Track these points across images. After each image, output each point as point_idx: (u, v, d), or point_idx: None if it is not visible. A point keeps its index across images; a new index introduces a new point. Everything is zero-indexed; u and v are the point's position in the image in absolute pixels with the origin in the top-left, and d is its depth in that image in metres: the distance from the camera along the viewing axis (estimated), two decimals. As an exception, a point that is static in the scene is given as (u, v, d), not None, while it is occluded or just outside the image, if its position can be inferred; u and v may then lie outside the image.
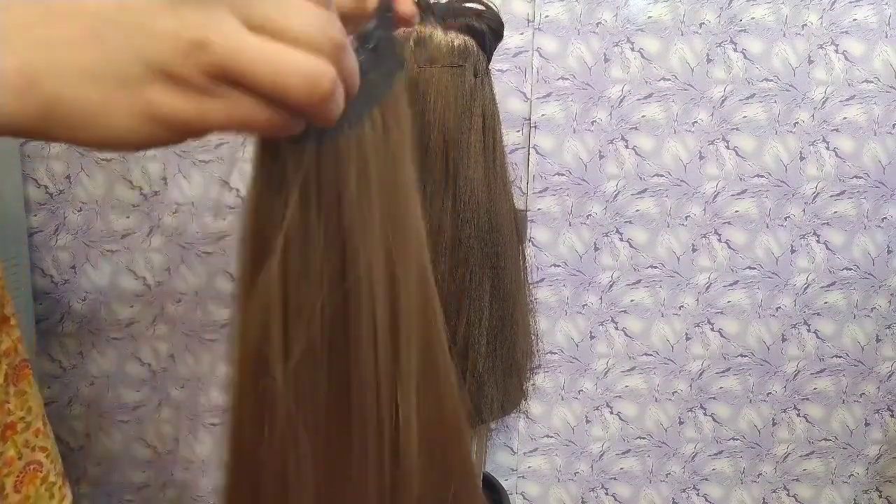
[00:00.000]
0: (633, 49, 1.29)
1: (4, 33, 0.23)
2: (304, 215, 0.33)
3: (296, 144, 0.33)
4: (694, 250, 1.36)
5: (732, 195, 1.34)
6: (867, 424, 1.42)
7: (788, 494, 1.45)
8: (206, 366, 1.39)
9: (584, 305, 1.37)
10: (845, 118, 1.31)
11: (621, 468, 1.44)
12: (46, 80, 0.24)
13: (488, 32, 0.94)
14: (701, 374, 1.40)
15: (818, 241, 1.35)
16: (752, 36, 1.28)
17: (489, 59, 0.93)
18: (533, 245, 1.34)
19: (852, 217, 1.34)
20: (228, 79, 0.25)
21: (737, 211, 1.34)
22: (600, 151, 1.32)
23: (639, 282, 1.37)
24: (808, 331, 1.39)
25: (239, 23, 0.25)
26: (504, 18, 0.99)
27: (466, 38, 0.92)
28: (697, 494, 1.45)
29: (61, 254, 1.33)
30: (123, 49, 0.24)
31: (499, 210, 0.90)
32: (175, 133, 0.26)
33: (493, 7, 0.96)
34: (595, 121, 1.31)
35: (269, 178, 0.33)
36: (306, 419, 0.36)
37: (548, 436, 1.42)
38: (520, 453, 1.43)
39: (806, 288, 1.37)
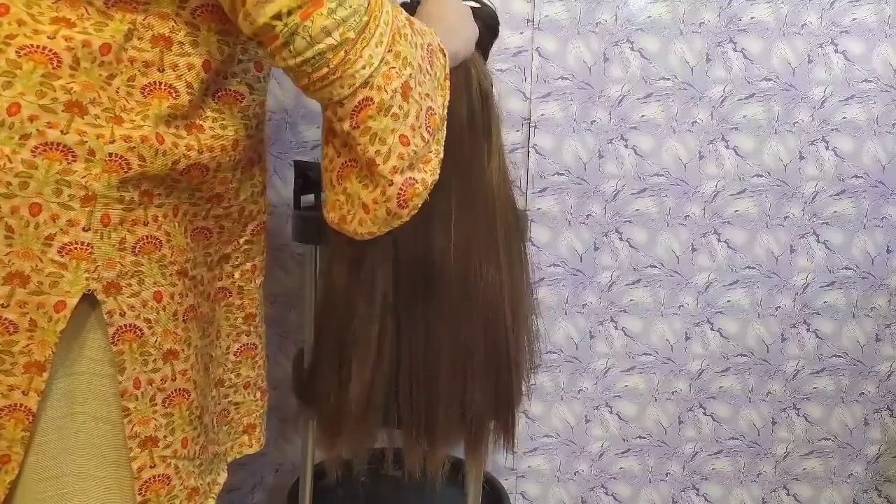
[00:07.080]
0: (632, 49, 1.29)
1: (448, 34, 0.76)
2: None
3: None
4: (693, 250, 1.36)
5: (732, 195, 1.34)
6: (866, 424, 1.43)
7: (788, 494, 1.45)
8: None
9: (583, 305, 1.37)
10: (845, 118, 1.31)
11: (621, 468, 1.44)
12: (460, 49, 0.80)
13: (483, 29, 0.94)
14: (700, 374, 1.40)
15: (818, 241, 1.35)
16: (751, 35, 1.28)
17: (486, 56, 0.93)
18: (533, 245, 1.34)
19: (852, 216, 1.34)
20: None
21: (736, 210, 1.34)
22: (600, 151, 1.32)
23: (638, 281, 1.37)
24: (808, 330, 1.39)
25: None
26: (503, 18, 0.99)
27: None
28: (697, 494, 1.45)
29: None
30: (466, 40, 0.82)
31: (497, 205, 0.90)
32: (470, 48, 0.83)
33: (489, 4, 0.96)
34: (595, 120, 1.31)
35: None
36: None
37: (547, 435, 1.42)
38: (519, 453, 1.43)
39: (805, 287, 1.37)
